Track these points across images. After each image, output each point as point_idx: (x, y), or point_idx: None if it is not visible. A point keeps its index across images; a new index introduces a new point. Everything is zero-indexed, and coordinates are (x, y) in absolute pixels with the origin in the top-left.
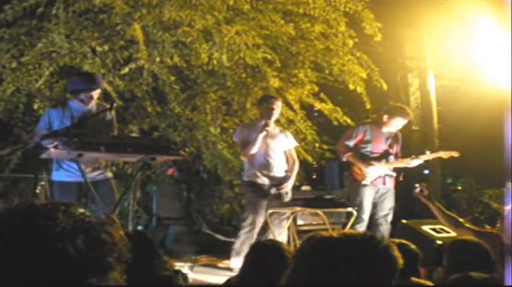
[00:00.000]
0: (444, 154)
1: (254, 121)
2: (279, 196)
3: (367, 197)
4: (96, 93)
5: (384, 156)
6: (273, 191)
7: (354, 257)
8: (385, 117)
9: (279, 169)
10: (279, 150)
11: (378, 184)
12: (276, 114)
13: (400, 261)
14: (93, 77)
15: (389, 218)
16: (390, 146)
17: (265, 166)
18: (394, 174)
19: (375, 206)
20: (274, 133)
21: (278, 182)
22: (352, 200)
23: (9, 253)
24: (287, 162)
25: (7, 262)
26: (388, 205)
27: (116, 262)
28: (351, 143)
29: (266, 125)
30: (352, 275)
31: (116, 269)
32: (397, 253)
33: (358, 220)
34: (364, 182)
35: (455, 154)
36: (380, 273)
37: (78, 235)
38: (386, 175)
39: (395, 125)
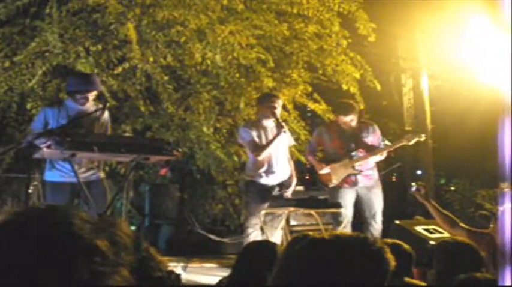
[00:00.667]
0: (406, 140)
1: (255, 121)
2: (281, 197)
3: (341, 199)
4: (92, 95)
5: (346, 155)
6: (276, 191)
7: (346, 259)
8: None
9: (283, 169)
10: (283, 149)
11: (351, 185)
12: (278, 113)
13: (393, 263)
14: (90, 79)
15: (378, 217)
16: (355, 143)
17: (270, 166)
18: (359, 171)
19: (359, 207)
20: (276, 132)
21: (282, 183)
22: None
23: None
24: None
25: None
26: (371, 204)
27: (127, 259)
28: (312, 146)
29: (282, 127)
30: (343, 277)
31: (126, 267)
32: (389, 255)
33: (336, 222)
34: (330, 185)
35: (421, 138)
36: (372, 275)
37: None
38: (350, 174)
39: (343, 122)
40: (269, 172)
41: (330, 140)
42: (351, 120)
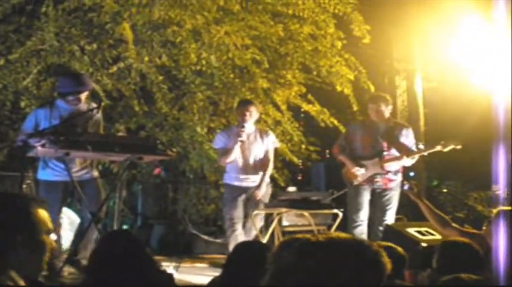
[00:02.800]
0: (442, 147)
1: (232, 126)
2: (253, 200)
3: (360, 199)
4: (84, 95)
5: (377, 153)
6: (247, 195)
7: (342, 262)
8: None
9: (257, 172)
10: (259, 152)
11: (371, 184)
12: (249, 120)
13: (389, 267)
14: (81, 79)
15: (383, 220)
16: (385, 142)
17: (243, 170)
18: (386, 172)
19: (372, 207)
20: (253, 136)
21: (255, 186)
22: (348, 202)
23: None
24: (264, 163)
25: None
26: (384, 207)
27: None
28: (342, 144)
29: (239, 135)
30: (339, 280)
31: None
32: (386, 259)
33: (352, 222)
34: (355, 183)
35: (457, 146)
36: (368, 279)
37: None
38: (376, 174)
39: (370, 112)
40: (242, 175)
41: (361, 137)
42: (377, 108)
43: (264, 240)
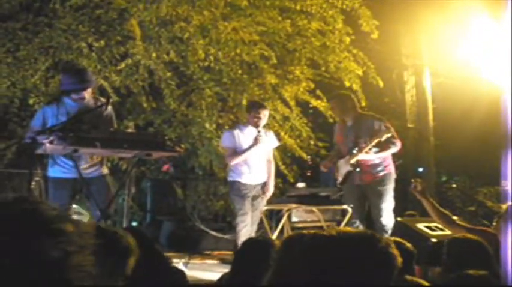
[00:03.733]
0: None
1: (239, 125)
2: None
3: (349, 196)
4: (87, 92)
5: (348, 151)
6: (256, 192)
7: (352, 256)
8: None
9: (262, 171)
10: (263, 153)
11: (353, 181)
12: (262, 124)
13: (399, 260)
14: (83, 76)
15: (379, 216)
16: (355, 138)
17: (249, 167)
18: (355, 168)
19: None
20: (260, 138)
21: (262, 183)
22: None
23: None
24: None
25: None
26: (373, 202)
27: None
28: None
29: (257, 140)
30: (350, 275)
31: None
32: (396, 252)
33: (351, 219)
34: (338, 182)
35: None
36: (379, 273)
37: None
38: (349, 171)
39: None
40: (248, 173)
41: (336, 137)
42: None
43: (274, 236)
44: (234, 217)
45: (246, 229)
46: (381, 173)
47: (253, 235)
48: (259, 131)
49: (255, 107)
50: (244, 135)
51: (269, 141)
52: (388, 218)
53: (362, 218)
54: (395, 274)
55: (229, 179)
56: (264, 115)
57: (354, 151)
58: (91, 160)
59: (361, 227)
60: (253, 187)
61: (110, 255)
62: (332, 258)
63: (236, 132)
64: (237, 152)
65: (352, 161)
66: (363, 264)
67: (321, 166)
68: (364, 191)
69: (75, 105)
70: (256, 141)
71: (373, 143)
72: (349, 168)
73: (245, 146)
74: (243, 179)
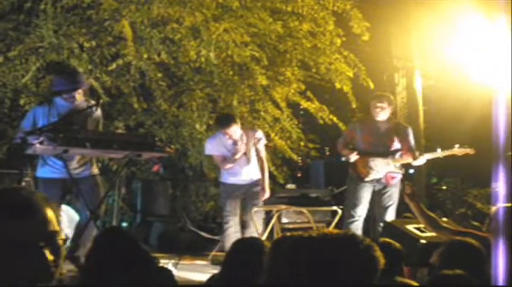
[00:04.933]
0: (458, 151)
1: (217, 134)
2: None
3: (359, 194)
4: (78, 93)
5: (385, 153)
6: (242, 192)
7: (333, 257)
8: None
9: (251, 169)
10: (249, 151)
11: (372, 181)
12: (235, 136)
13: (382, 261)
14: (74, 77)
15: (385, 216)
16: (389, 141)
17: (237, 168)
18: (400, 171)
19: (372, 203)
20: (240, 139)
21: (252, 182)
22: (347, 197)
23: None
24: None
25: None
26: (384, 203)
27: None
28: (345, 141)
29: (235, 154)
30: (332, 275)
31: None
32: (378, 253)
33: (349, 217)
34: (366, 179)
35: (470, 151)
36: (360, 273)
37: None
38: (389, 172)
39: (372, 110)
40: (236, 173)
41: (362, 135)
42: (379, 107)
43: (263, 237)
44: (222, 218)
45: (233, 229)
46: (399, 177)
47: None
48: (235, 144)
49: (225, 122)
50: (226, 142)
51: (256, 141)
52: (391, 219)
53: (364, 216)
54: (377, 275)
55: (220, 179)
56: (233, 130)
57: (399, 155)
58: (81, 160)
59: (361, 225)
60: (242, 187)
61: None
62: (314, 260)
63: (216, 141)
64: (226, 158)
65: (398, 164)
66: (345, 265)
67: (351, 154)
68: (377, 191)
69: (67, 107)
70: (236, 151)
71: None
72: (390, 169)
73: (231, 148)
74: (231, 180)
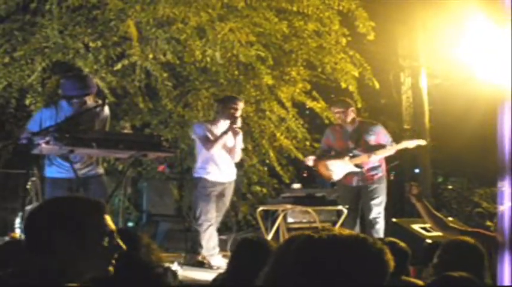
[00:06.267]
0: (409, 144)
1: (211, 120)
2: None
3: (344, 196)
4: (89, 98)
5: (346, 153)
6: (221, 190)
7: (345, 260)
8: None
9: (231, 168)
10: (232, 147)
11: (351, 182)
12: (238, 115)
13: (392, 264)
14: (85, 82)
15: (372, 214)
16: (353, 142)
17: (217, 164)
18: (360, 170)
19: (361, 205)
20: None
21: (226, 181)
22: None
23: None
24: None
25: None
26: (370, 202)
27: None
28: (323, 148)
29: (235, 131)
30: (341, 278)
31: None
32: (389, 257)
33: (346, 219)
34: (330, 181)
35: (421, 142)
36: (370, 277)
37: None
38: (350, 172)
39: (336, 117)
40: (216, 169)
41: (334, 141)
42: (337, 112)
43: (269, 237)
44: (199, 216)
45: (212, 228)
46: (380, 174)
47: (215, 234)
48: (235, 122)
49: (232, 98)
50: (217, 128)
51: (238, 139)
52: (380, 216)
53: (357, 218)
54: (387, 278)
55: (195, 175)
56: (240, 107)
57: (356, 153)
58: (87, 160)
59: (357, 227)
60: (221, 185)
61: None
62: (323, 262)
63: (206, 124)
64: (211, 140)
65: (356, 162)
66: (355, 269)
67: (307, 159)
68: (359, 191)
69: (72, 110)
70: (232, 130)
71: (395, 149)
72: (350, 168)
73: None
74: (210, 177)
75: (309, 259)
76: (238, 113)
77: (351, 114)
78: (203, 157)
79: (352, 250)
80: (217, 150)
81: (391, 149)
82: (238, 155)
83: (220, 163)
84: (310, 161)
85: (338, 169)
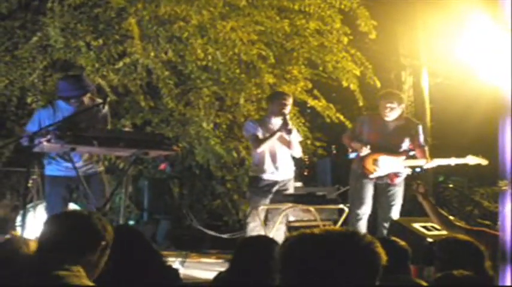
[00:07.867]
0: (471, 160)
1: (262, 118)
2: (281, 193)
3: (362, 192)
4: (85, 97)
5: (403, 152)
6: (278, 187)
7: (335, 254)
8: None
9: (287, 165)
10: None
11: (375, 179)
12: (288, 110)
13: (384, 258)
14: (82, 82)
15: (390, 217)
16: (395, 139)
17: (274, 162)
18: (402, 172)
19: (376, 203)
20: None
21: (287, 179)
22: (350, 195)
23: None
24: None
25: None
26: (388, 202)
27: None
28: (353, 133)
29: (288, 131)
30: (334, 272)
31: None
32: (380, 250)
33: (355, 216)
34: (371, 176)
35: (483, 162)
36: (362, 270)
37: None
38: (397, 172)
39: (382, 110)
40: (273, 168)
41: (369, 131)
42: (388, 106)
43: (270, 235)
44: (248, 214)
45: (257, 228)
46: (403, 176)
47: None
48: (285, 118)
49: (280, 93)
50: (265, 127)
51: (295, 135)
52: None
53: (369, 214)
54: (380, 271)
55: (251, 174)
56: (289, 102)
57: (414, 155)
58: (87, 158)
59: (365, 223)
60: (276, 183)
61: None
62: (316, 257)
63: (258, 122)
64: (260, 139)
65: (411, 164)
66: (347, 262)
67: (362, 148)
68: (381, 190)
69: (70, 109)
70: (284, 129)
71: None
72: (397, 169)
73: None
74: (266, 176)
75: (302, 255)
76: (288, 109)
77: (399, 111)
78: (257, 155)
79: (342, 245)
80: (266, 148)
81: (450, 161)
82: (298, 150)
83: (275, 161)
84: (365, 151)
85: (386, 166)
